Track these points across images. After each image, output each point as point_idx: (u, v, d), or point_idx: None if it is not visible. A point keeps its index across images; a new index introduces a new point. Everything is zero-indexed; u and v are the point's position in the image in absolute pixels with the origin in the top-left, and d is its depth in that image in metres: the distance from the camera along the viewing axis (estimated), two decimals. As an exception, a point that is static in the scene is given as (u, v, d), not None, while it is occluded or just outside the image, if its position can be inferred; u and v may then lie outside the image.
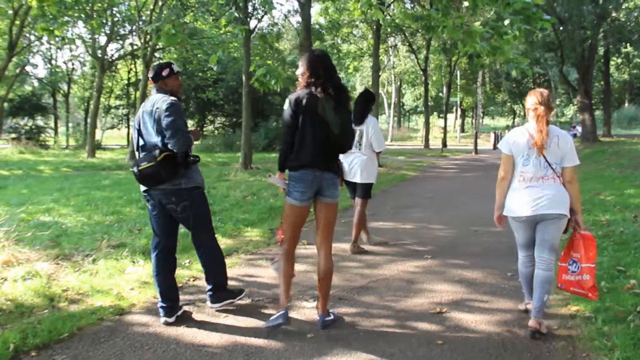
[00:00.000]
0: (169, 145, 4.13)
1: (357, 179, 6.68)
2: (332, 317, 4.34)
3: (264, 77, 8.31)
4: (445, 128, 37.22)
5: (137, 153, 4.41)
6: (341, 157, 4.48)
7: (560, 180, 4.03)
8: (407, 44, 33.58)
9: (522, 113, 66.13)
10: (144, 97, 24.04)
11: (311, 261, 6.23)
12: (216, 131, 36.84)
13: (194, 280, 5.61)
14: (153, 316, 4.53)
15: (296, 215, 4.29)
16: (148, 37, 22.37)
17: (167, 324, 4.35)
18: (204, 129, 37.48)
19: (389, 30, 30.34)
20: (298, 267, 6.00)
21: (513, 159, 4.13)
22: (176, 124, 4.11)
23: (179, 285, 5.25)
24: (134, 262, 6.11)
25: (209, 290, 4.69)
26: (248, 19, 14.92)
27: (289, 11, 24.12)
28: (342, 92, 4.17)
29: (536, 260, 4.12)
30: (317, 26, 26.30)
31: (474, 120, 59.64)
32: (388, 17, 24.81)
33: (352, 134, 4.33)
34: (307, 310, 4.67)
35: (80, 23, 25.44)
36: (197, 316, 4.56)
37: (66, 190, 12.62)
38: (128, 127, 38.87)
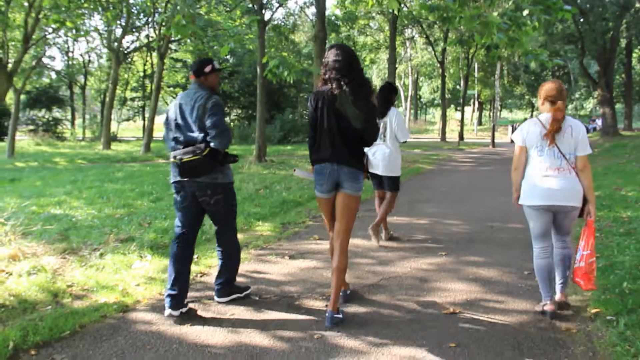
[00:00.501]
0: (212, 144, 4.27)
1: (380, 171, 6.68)
2: (341, 315, 4.24)
3: (277, 68, 8.15)
4: (462, 121, 36.84)
5: (169, 142, 4.53)
6: (365, 148, 4.45)
7: (575, 172, 4.10)
8: (424, 36, 33.23)
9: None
10: (158, 89, 24.02)
11: (320, 257, 6.10)
12: (232, 123, 36.78)
13: (201, 277, 5.48)
14: (157, 314, 4.42)
15: (323, 206, 4.43)
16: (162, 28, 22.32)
17: (171, 317, 4.32)
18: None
19: (405, 22, 30.02)
20: (307, 263, 5.90)
21: (526, 150, 4.24)
22: (221, 124, 4.30)
23: (187, 280, 5.21)
24: (141, 257, 6.01)
25: (218, 284, 4.74)
26: (262, 10, 14.71)
27: (304, 2, 23.78)
28: (361, 86, 4.14)
29: (555, 243, 4.33)
30: (332, 18, 26.03)
31: (491, 113, 59.09)
32: (405, 8, 24.50)
33: (376, 128, 4.27)
34: (314, 310, 4.51)
35: (97, 15, 25.51)
36: (202, 313, 4.43)
37: (79, 183, 12.60)
38: (144, 119, 38.93)
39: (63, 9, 12.35)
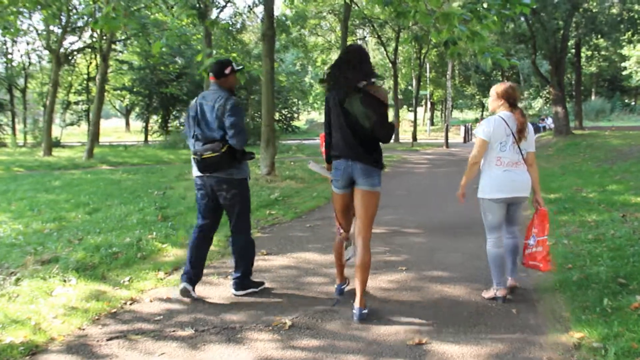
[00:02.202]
0: (230, 142, 4.61)
1: None
2: (367, 310, 4.34)
3: (212, 67, 7.46)
4: (415, 121, 36.66)
5: (191, 141, 4.85)
6: None
7: (525, 166, 4.54)
8: (376, 36, 32.86)
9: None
10: (102, 92, 22.94)
11: (267, 276, 5.45)
12: (182, 127, 35.73)
13: (131, 304, 4.78)
14: (73, 355, 3.71)
15: (337, 201, 4.57)
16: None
17: (184, 291, 4.80)
18: (169, 124, 36.30)
19: (357, 21, 29.60)
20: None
21: (487, 145, 4.50)
22: (239, 124, 4.63)
23: (113, 310, 4.60)
24: (65, 281, 5.27)
25: (235, 278, 4.97)
26: (200, 6, 13.95)
27: (253, 2, 23.06)
28: (369, 84, 4.26)
29: (506, 234, 4.73)
30: (283, 18, 25.38)
31: (443, 114, 59.40)
32: (356, 7, 24.06)
33: (387, 125, 4.29)
34: (259, 343, 3.86)
35: (37, 14, 24.30)
36: (127, 353, 3.75)
37: (10, 193, 11.62)
38: (89, 123, 37.47)
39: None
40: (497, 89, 4.63)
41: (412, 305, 4.59)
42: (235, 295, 4.92)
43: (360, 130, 4.25)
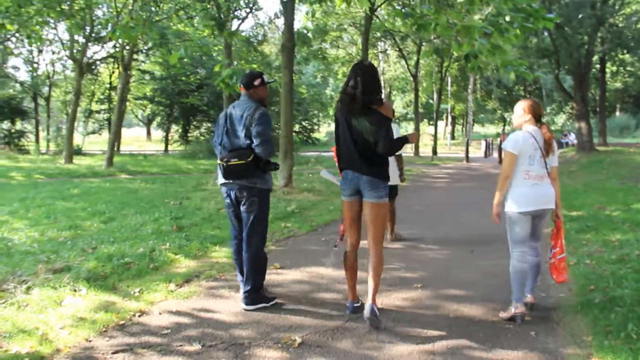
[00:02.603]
0: (256, 150, 4.71)
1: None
2: (377, 309, 4.43)
3: (230, 78, 7.43)
4: (435, 135, 36.38)
5: (218, 148, 4.98)
6: None
7: (549, 180, 4.63)
8: (398, 49, 32.77)
9: (512, 121, 65.57)
10: (122, 101, 23.10)
11: (280, 290, 5.34)
12: (202, 137, 35.86)
13: (139, 316, 4.69)
14: (77, 369, 3.63)
15: (345, 209, 4.69)
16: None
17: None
18: (189, 134, 36.45)
19: (378, 34, 29.52)
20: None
21: (516, 159, 4.55)
22: (266, 134, 4.74)
23: (122, 322, 4.52)
24: (75, 290, 5.21)
25: (246, 292, 4.91)
26: (220, 17, 13.97)
27: (275, 13, 23.13)
28: (372, 101, 4.40)
29: (529, 250, 4.69)
30: (304, 30, 25.38)
31: (464, 128, 59.03)
32: (377, 20, 23.99)
33: (389, 139, 4.43)
34: (268, 362, 3.75)
35: (63, 24, 24.62)
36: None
37: (29, 201, 11.66)
38: (109, 131, 37.85)
39: (6, 11, 11.49)
40: (522, 105, 4.73)
41: (427, 324, 4.45)
42: (246, 310, 4.84)
43: (365, 144, 4.45)
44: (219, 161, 4.87)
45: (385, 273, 5.96)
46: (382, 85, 48.10)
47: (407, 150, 40.34)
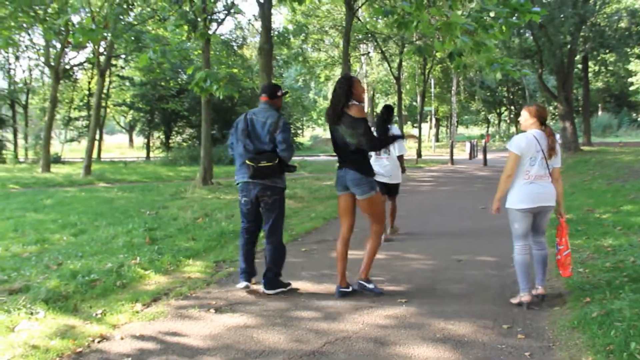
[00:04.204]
0: (281, 154, 5.30)
1: (385, 180, 7.86)
2: (371, 285, 5.34)
3: (204, 81, 7.05)
4: (419, 138, 36.15)
5: (236, 149, 5.50)
6: (372, 161, 6.13)
7: (550, 179, 4.94)
8: (380, 51, 32.49)
9: (496, 122, 65.70)
10: (99, 107, 22.56)
11: (254, 309, 4.93)
12: (184, 143, 35.33)
13: (99, 342, 4.28)
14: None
15: (339, 203, 5.41)
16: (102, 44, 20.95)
17: (246, 288, 5.50)
18: (170, 140, 35.91)
19: (360, 36, 29.20)
20: (236, 319, 4.65)
21: (519, 159, 4.88)
22: (289, 140, 5.35)
23: (79, 349, 4.11)
24: (31, 313, 4.79)
25: (266, 278, 5.45)
26: (196, 17, 13.55)
27: (253, 15, 22.74)
28: (343, 108, 5.10)
29: (534, 244, 5.09)
30: (284, 31, 24.96)
31: (448, 130, 58.96)
32: (359, 22, 23.68)
33: (367, 141, 5.03)
34: None
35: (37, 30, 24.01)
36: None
37: (-2, 212, 11.20)
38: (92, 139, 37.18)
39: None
40: (529, 109, 5.05)
41: (411, 346, 4.07)
42: (266, 293, 5.42)
43: (345, 146, 5.14)
44: (247, 162, 5.30)
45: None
46: (365, 89, 47.96)
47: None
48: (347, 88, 5.15)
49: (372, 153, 7.41)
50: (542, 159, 4.86)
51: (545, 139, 4.88)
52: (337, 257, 5.34)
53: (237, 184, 5.57)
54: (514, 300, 5.00)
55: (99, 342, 4.29)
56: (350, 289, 5.33)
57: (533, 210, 4.91)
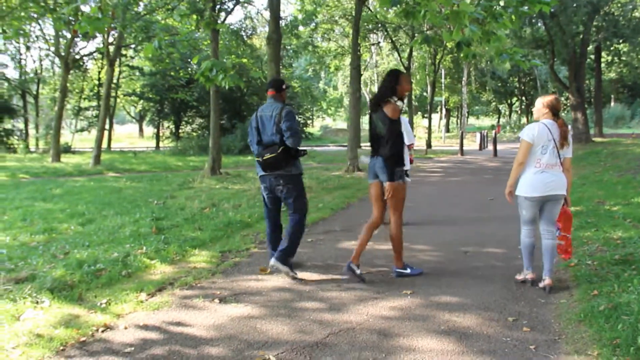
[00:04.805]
0: (287, 142, 5.54)
1: None
2: (408, 270, 5.64)
3: (210, 71, 7.00)
4: (429, 128, 35.97)
5: (256, 147, 5.77)
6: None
7: (561, 168, 5.07)
8: (390, 41, 32.26)
9: (507, 112, 65.28)
10: (108, 97, 22.59)
11: (258, 300, 4.91)
12: (194, 133, 35.33)
13: (103, 331, 4.27)
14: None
15: (369, 190, 5.70)
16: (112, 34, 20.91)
17: (273, 266, 5.63)
18: (180, 130, 35.94)
19: (369, 26, 29.01)
20: (240, 309, 4.64)
21: (531, 147, 5.04)
22: (293, 127, 5.57)
23: (83, 338, 4.10)
24: (37, 302, 4.79)
25: (280, 252, 5.64)
26: (206, 9, 13.49)
27: (262, 5, 22.66)
28: (379, 102, 5.45)
29: (543, 232, 5.21)
30: (293, 20, 24.81)
31: (458, 120, 58.60)
32: (368, 11, 23.51)
33: (389, 134, 5.31)
34: None
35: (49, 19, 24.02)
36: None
37: (7, 202, 11.26)
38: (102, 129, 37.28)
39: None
40: (543, 100, 5.19)
41: (416, 338, 4.04)
42: (272, 265, 5.65)
43: (379, 135, 5.41)
44: (256, 158, 5.72)
45: (373, 277, 5.63)
46: (376, 78, 47.74)
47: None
48: (393, 83, 5.45)
49: None
50: (553, 148, 5.00)
51: (558, 129, 5.02)
52: (359, 237, 5.59)
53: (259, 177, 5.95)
54: (519, 277, 5.33)
55: (102, 331, 4.29)
56: (359, 271, 5.50)
57: (542, 199, 5.06)
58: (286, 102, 5.84)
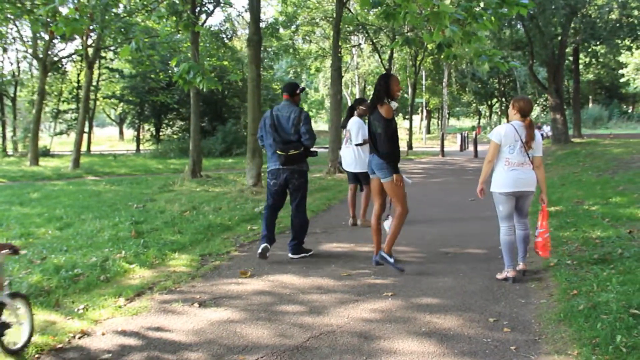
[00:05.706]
0: (305, 143, 6.25)
1: (350, 168, 8.46)
2: (391, 260, 5.85)
3: (187, 73, 6.94)
4: (410, 130, 36.11)
5: (266, 141, 6.48)
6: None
7: (531, 166, 5.38)
8: (371, 42, 32.34)
9: (487, 113, 65.76)
10: (87, 100, 22.37)
11: (238, 303, 4.86)
12: (174, 136, 35.07)
13: (80, 338, 4.19)
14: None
15: (371, 184, 6.24)
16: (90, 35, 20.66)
17: (265, 249, 6.33)
18: (160, 133, 35.66)
19: (350, 28, 29.03)
20: (220, 313, 4.59)
21: (499, 147, 5.38)
22: (311, 130, 6.31)
23: (58, 345, 4.02)
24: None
25: (292, 245, 6.54)
26: (184, 11, 13.40)
27: (243, 7, 22.56)
28: (374, 104, 5.93)
29: (517, 224, 5.58)
30: (273, 22, 24.73)
31: (439, 122, 58.91)
32: (349, 13, 23.53)
33: (382, 134, 5.79)
34: None
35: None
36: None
37: (-18, 206, 11.05)
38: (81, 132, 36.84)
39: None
40: (513, 102, 5.49)
41: (397, 341, 4.02)
42: (291, 258, 6.48)
43: (374, 135, 5.89)
44: (278, 152, 6.25)
45: (354, 280, 5.64)
46: (357, 80, 47.77)
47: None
48: (385, 85, 5.88)
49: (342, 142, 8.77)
50: (520, 147, 5.31)
51: (525, 130, 5.31)
52: (372, 231, 6.11)
53: (269, 169, 6.49)
54: (500, 276, 5.50)
55: (79, 337, 4.21)
56: (392, 260, 5.89)
57: (515, 194, 5.39)
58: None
